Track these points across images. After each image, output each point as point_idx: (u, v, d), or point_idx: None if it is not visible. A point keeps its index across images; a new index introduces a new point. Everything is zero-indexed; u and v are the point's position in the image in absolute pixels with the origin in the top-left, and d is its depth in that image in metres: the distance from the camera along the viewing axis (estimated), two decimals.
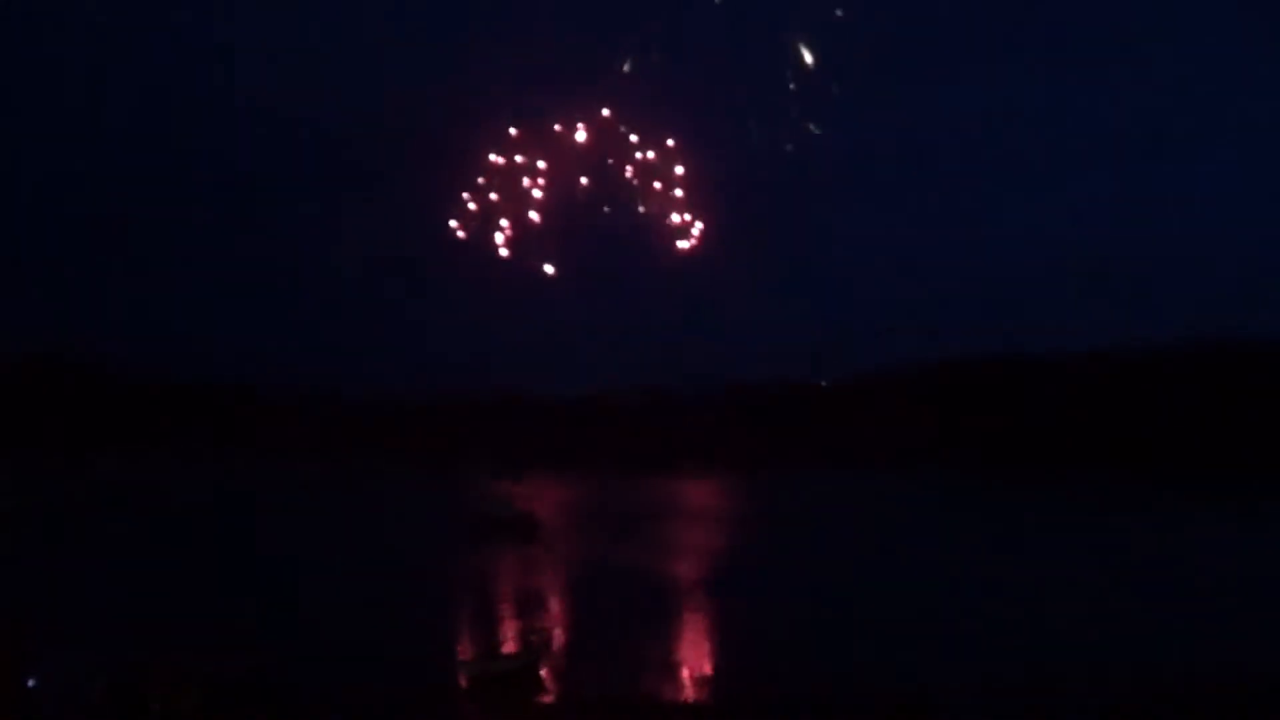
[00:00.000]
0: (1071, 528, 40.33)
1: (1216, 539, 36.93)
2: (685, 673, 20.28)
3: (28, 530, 36.01)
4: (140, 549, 32.74)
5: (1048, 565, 30.48)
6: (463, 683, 18.96)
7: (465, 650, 21.60)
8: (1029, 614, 23.87)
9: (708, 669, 20.86)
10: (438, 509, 46.20)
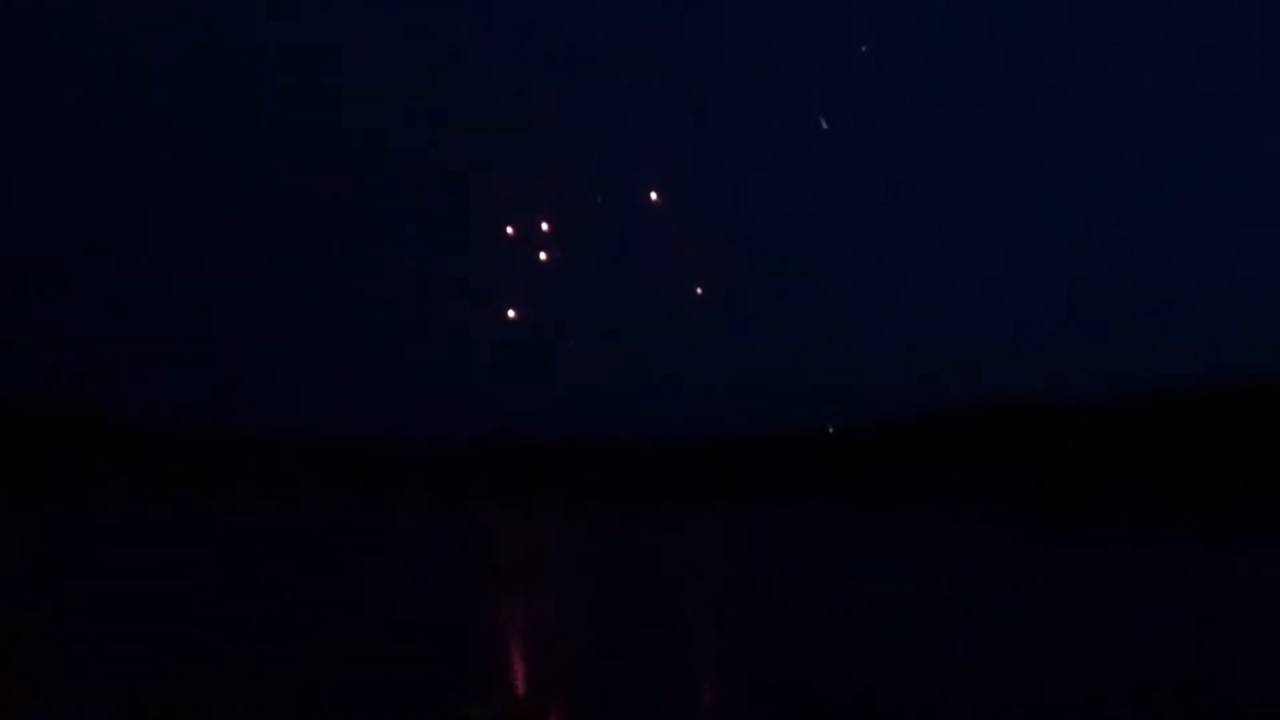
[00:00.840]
0: (1100, 573, 39.40)
1: (1253, 582, 35.88)
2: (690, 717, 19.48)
3: (33, 574, 35.65)
4: (145, 593, 32.30)
5: (1076, 611, 29.56)
6: None
7: (466, 695, 20.82)
8: (1060, 661, 23.00)
9: (714, 714, 20.16)
10: (442, 551, 45.65)
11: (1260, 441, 68.93)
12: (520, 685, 21.64)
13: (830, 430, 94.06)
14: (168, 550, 47.49)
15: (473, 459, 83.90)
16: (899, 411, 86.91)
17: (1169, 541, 51.04)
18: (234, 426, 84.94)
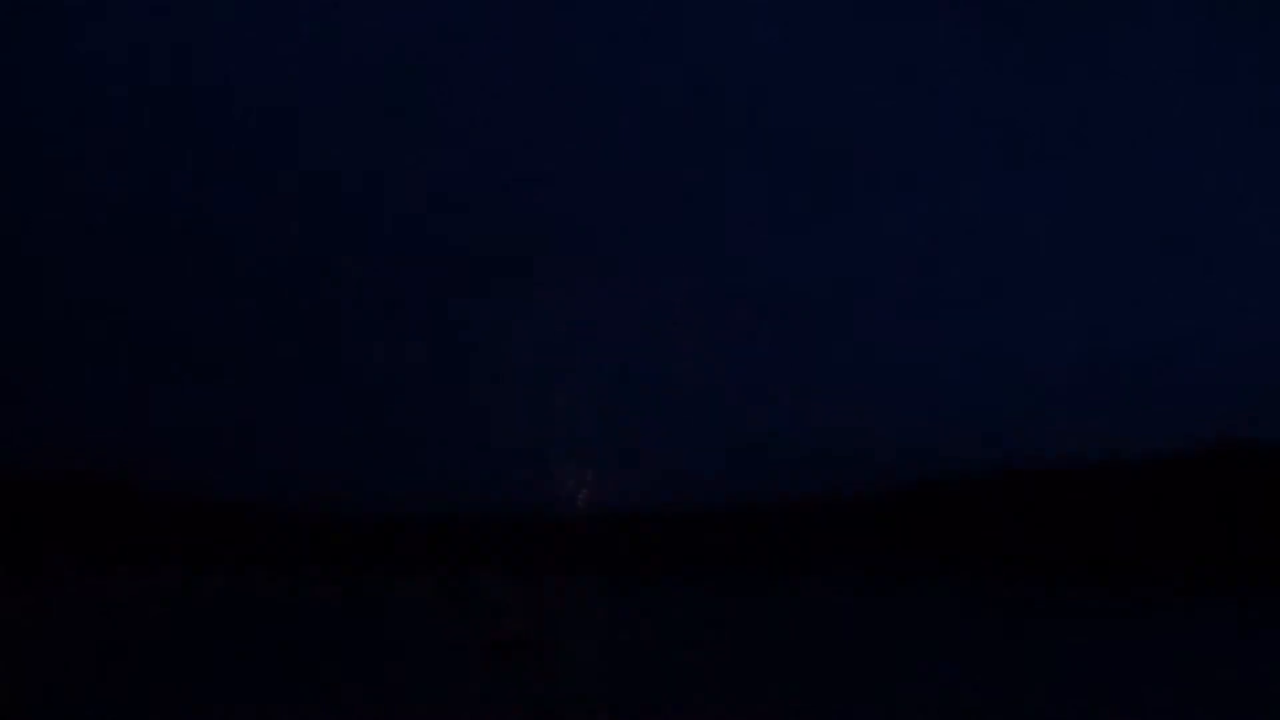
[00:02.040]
0: (1097, 637, 39.80)
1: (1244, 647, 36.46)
2: None
3: (45, 643, 36.21)
4: (149, 662, 33.19)
5: (1072, 677, 30.31)
6: None
7: None
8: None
9: None
10: (445, 626, 46.44)
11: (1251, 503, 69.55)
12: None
13: (843, 497, 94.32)
14: (172, 614, 48.16)
15: (479, 530, 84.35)
16: (903, 482, 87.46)
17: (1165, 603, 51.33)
18: (238, 494, 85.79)
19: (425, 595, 62.86)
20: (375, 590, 64.71)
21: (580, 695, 30.87)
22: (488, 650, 37.87)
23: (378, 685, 30.73)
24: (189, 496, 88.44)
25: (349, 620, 49.29)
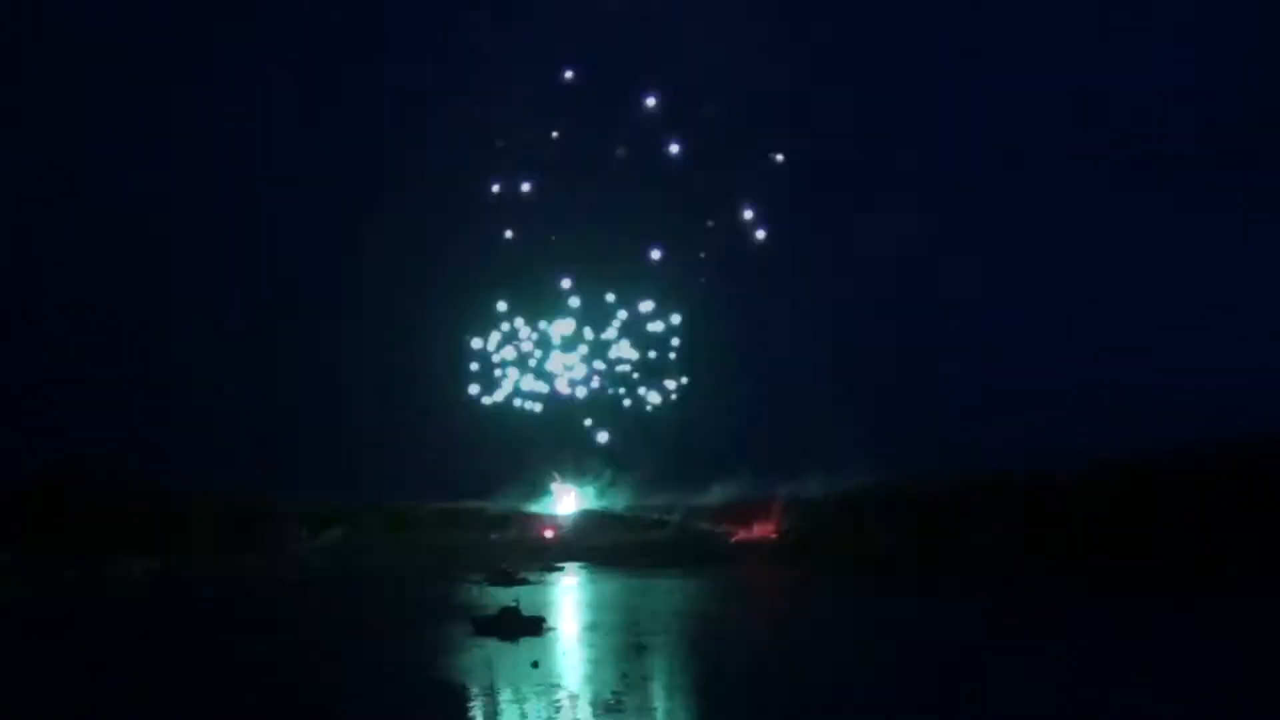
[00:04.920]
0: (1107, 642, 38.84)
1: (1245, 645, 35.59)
2: None
3: (35, 641, 35.47)
4: (136, 657, 32.24)
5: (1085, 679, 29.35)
6: None
7: None
8: None
9: None
10: (438, 608, 45.36)
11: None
12: None
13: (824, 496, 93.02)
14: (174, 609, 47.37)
15: (469, 522, 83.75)
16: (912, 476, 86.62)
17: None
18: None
19: (426, 582, 61.45)
20: (372, 578, 63.48)
21: (579, 677, 29.84)
22: (483, 629, 36.61)
23: (368, 671, 29.84)
24: (174, 487, 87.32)
25: (338, 606, 48.36)
